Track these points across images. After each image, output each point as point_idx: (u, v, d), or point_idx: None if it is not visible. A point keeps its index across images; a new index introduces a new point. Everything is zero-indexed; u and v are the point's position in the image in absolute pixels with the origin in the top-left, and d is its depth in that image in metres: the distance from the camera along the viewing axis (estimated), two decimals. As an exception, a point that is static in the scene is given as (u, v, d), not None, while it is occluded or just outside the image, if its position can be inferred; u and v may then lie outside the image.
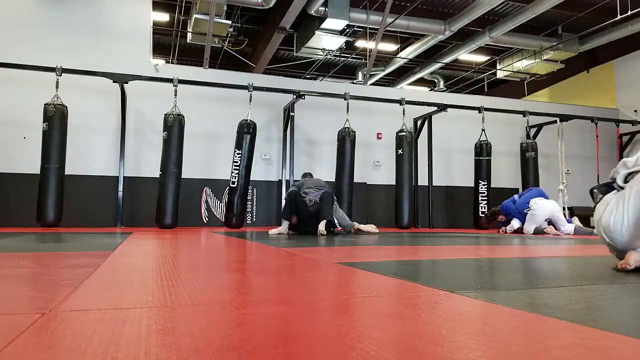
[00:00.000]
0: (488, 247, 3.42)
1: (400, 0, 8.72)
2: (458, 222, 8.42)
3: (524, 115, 8.16)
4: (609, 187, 1.93)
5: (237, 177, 6.48)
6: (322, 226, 4.70)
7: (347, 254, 2.66)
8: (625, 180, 1.83)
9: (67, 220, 6.07)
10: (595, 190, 2.01)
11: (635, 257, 1.72)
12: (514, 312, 1.01)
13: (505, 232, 5.85)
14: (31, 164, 6.16)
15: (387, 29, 8.54)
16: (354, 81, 11.48)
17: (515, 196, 6.20)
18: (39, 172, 5.79)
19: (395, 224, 7.45)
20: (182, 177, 6.39)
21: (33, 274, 1.63)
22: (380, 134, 8.32)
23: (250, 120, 6.55)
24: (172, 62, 10.64)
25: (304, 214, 5.00)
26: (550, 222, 5.77)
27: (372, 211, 8.15)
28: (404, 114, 7.37)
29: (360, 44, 10.56)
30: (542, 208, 5.70)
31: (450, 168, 8.68)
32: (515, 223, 5.80)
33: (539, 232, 5.69)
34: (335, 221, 5.24)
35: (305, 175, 5.83)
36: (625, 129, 9.25)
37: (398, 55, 10.85)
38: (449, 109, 7.76)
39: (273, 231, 4.92)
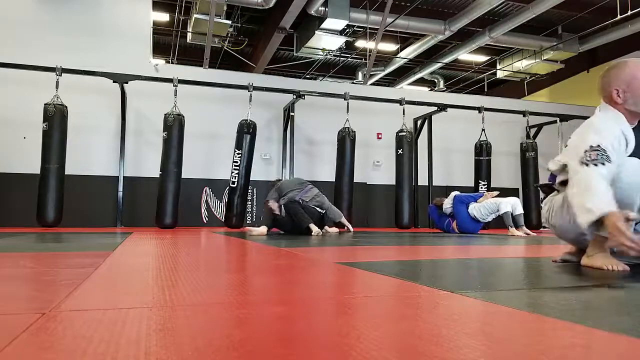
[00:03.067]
0: (488, 247, 3.42)
1: (400, 0, 8.72)
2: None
3: (524, 115, 8.16)
4: (550, 187, 2.08)
5: (237, 177, 6.48)
6: (316, 229, 4.81)
7: (347, 254, 2.66)
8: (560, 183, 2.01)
9: (67, 220, 6.07)
10: (539, 187, 2.23)
11: (564, 256, 2.08)
12: (514, 312, 1.01)
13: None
14: (31, 164, 6.16)
15: (387, 29, 8.54)
16: (354, 81, 11.48)
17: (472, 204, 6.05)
18: (39, 172, 5.79)
19: (395, 224, 7.45)
20: (182, 177, 6.39)
21: (33, 274, 1.62)
22: (380, 134, 8.32)
23: (250, 120, 6.55)
24: (172, 62, 10.64)
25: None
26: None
27: (372, 211, 8.16)
28: (404, 114, 7.37)
29: (360, 44, 10.56)
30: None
31: (450, 168, 8.68)
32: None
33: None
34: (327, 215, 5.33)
35: (275, 182, 5.76)
36: (626, 129, 9.24)
37: (398, 55, 10.85)
38: (449, 109, 7.75)
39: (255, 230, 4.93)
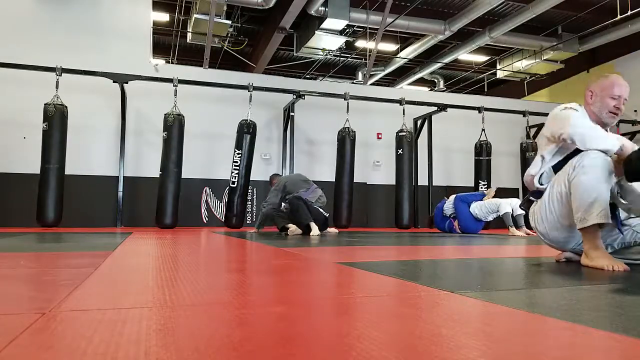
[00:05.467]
0: (488, 247, 3.42)
1: (400, 0, 8.72)
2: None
3: (524, 115, 8.16)
4: (529, 201, 2.17)
5: (237, 177, 6.48)
6: (316, 229, 4.76)
7: (347, 254, 2.66)
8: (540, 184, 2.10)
9: (67, 220, 6.07)
10: (521, 207, 2.33)
11: (567, 255, 2.11)
12: (514, 312, 1.01)
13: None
14: (31, 164, 6.16)
15: (387, 29, 8.54)
16: (354, 81, 11.47)
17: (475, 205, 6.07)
18: (39, 172, 5.79)
19: (395, 224, 7.45)
20: (182, 177, 6.39)
21: (33, 274, 1.63)
22: (380, 134, 8.32)
23: (250, 120, 6.55)
24: (172, 62, 10.64)
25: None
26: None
27: (372, 211, 8.16)
28: (404, 114, 7.37)
29: (360, 44, 10.56)
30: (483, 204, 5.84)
31: (450, 168, 8.68)
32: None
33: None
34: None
35: (275, 176, 5.68)
36: (625, 129, 9.25)
37: (398, 55, 10.85)
38: (449, 109, 7.76)
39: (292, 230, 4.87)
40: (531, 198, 2.14)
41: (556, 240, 2.07)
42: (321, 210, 5.09)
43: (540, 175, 2.07)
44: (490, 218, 5.82)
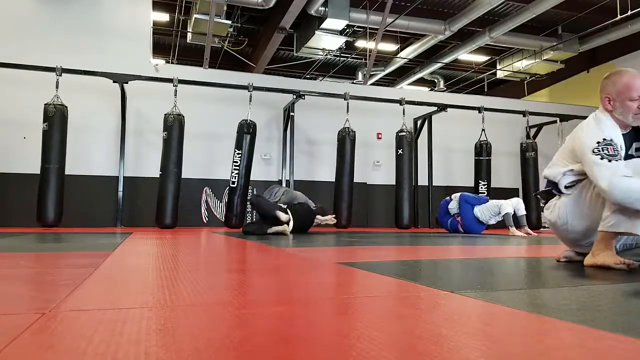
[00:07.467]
0: (489, 247, 3.42)
1: (400, 0, 8.72)
2: (458, 222, 8.41)
3: (524, 115, 8.16)
4: (549, 193, 2.12)
5: (237, 177, 6.47)
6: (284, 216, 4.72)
7: (347, 254, 2.67)
8: (565, 187, 2.03)
9: (67, 220, 6.07)
10: (538, 196, 2.26)
11: (567, 254, 2.11)
12: (514, 312, 1.01)
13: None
14: (31, 164, 6.16)
15: (387, 29, 8.54)
16: (354, 81, 11.47)
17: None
18: (39, 172, 5.79)
19: (395, 224, 7.44)
20: (182, 177, 6.39)
21: (33, 274, 1.63)
22: (380, 134, 8.32)
23: (250, 120, 6.54)
24: (172, 62, 10.64)
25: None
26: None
27: (372, 211, 8.15)
28: (404, 114, 7.37)
29: (360, 44, 10.56)
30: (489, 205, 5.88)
31: (450, 168, 8.68)
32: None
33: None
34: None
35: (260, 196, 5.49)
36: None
37: (398, 55, 10.85)
38: (449, 109, 7.75)
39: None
40: (553, 192, 2.08)
41: (572, 238, 2.04)
42: (308, 203, 5.15)
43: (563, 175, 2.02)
44: (492, 221, 5.83)
